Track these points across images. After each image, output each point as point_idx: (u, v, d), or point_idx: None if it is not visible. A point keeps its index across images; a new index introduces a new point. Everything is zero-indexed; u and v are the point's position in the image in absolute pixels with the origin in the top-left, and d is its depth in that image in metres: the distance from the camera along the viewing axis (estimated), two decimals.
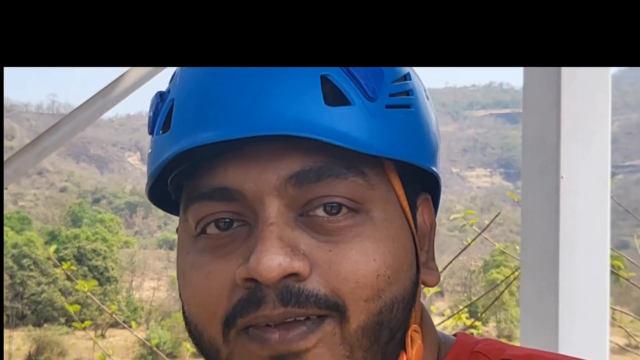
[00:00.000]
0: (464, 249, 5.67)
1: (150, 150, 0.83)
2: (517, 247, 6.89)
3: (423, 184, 0.88)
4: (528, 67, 2.15)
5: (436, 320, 8.87)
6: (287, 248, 0.73)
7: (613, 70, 2.10)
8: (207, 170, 0.76)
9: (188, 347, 9.33)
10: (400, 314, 0.78)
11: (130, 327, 5.99)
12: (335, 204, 0.75)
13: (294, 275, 0.73)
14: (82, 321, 5.51)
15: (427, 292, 6.44)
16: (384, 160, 0.79)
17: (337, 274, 0.74)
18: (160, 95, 0.83)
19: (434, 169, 0.85)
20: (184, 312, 0.81)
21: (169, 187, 0.83)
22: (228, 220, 0.77)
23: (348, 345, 0.74)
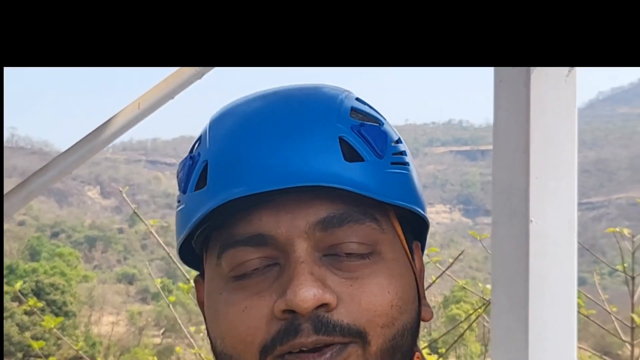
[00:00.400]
0: (429, 285, 5.72)
1: (180, 207, 0.94)
2: (479, 284, 6.96)
3: (414, 232, 1.00)
4: (497, 111, 2.23)
5: None
6: (317, 282, 0.85)
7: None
8: (241, 220, 0.88)
9: None
10: (409, 340, 0.91)
11: None
12: (353, 248, 0.88)
13: (325, 305, 0.85)
14: (47, 357, 5.49)
15: None
16: (389, 209, 0.92)
17: (358, 305, 0.86)
18: (191, 158, 0.94)
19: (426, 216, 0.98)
20: (214, 348, 0.92)
21: (194, 240, 0.94)
22: (256, 266, 0.88)
23: None
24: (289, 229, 0.87)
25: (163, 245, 6.29)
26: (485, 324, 8.27)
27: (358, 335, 0.86)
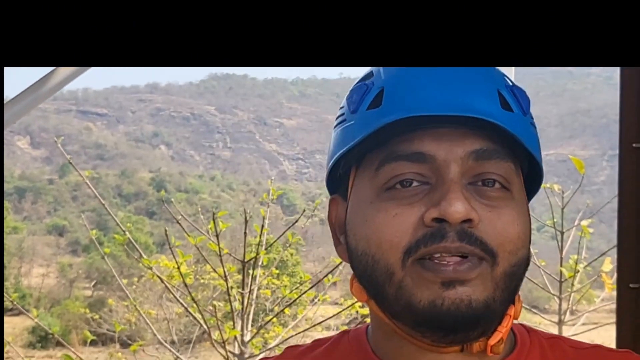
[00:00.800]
0: None
1: (347, 124, 1.08)
2: None
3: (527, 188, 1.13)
4: None
5: (332, 309, 8.98)
6: (466, 201, 0.99)
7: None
8: (405, 140, 1.02)
9: (88, 334, 9.22)
10: (521, 272, 1.04)
11: (28, 312, 5.95)
12: (492, 180, 1.02)
13: (469, 221, 0.99)
14: None
15: (327, 281, 6.56)
16: (519, 159, 1.07)
17: (494, 228, 1.00)
18: (365, 85, 1.08)
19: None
20: (354, 250, 1.06)
21: (346, 157, 1.08)
22: (411, 180, 1.02)
23: (494, 283, 1.00)
24: (447, 153, 1.01)
25: (98, 195, 6.26)
26: None
27: (490, 254, 1.00)
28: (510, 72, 2.35)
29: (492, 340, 1.03)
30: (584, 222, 6.40)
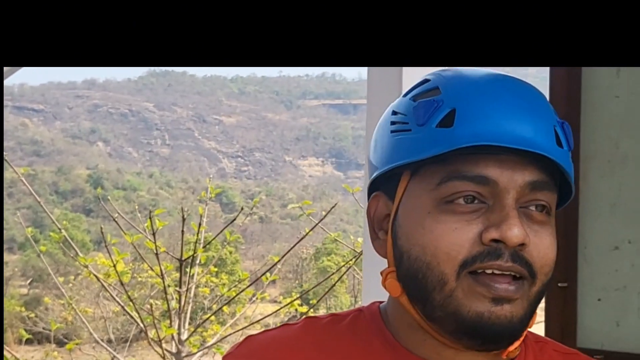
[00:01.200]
0: (302, 238, 5.81)
1: (411, 135, 1.13)
2: (351, 236, 7.08)
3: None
4: (371, 68, 2.29)
5: (271, 307, 8.98)
6: (522, 227, 1.08)
7: None
8: (469, 162, 1.10)
9: (23, 333, 9.10)
10: (545, 291, 1.14)
11: None
12: (541, 206, 1.12)
13: (522, 245, 1.08)
14: None
15: (265, 279, 6.57)
16: (558, 188, 1.16)
17: (538, 252, 1.10)
18: (435, 101, 1.13)
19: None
20: (405, 254, 1.13)
21: (405, 166, 1.15)
22: (471, 197, 1.10)
23: (529, 302, 1.11)
24: (509, 180, 1.10)
25: (34, 193, 6.20)
26: (356, 275, 8.43)
27: (532, 275, 1.10)
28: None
29: (512, 347, 1.15)
30: None
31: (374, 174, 1.21)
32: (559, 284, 2.08)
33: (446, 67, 1.21)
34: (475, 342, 1.11)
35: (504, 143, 1.09)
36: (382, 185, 1.21)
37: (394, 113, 1.19)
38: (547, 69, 2.16)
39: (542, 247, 1.11)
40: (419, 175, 1.15)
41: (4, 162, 5.61)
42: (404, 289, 1.16)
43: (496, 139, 1.09)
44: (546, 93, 2.11)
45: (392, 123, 1.18)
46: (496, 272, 1.09)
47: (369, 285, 2.08)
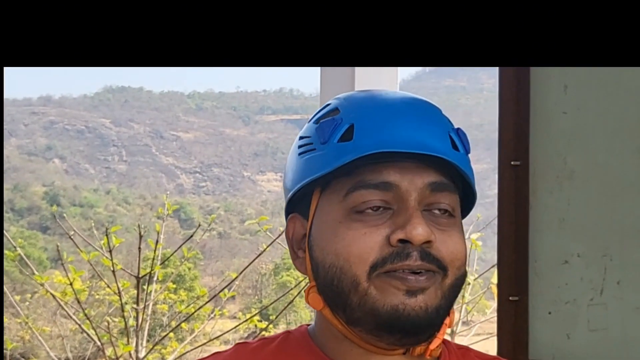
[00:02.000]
0: (260, 254, 5.81)
1: (316, 153, 1.22)
2: None
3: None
4: (323, 87, 2.32)
5: (230, 323, 8.95)
6: (426, 226, 1.16)
7: (399, 78, 2.33)
8: (372, 170, 1.18)
9: None
10: (460, 286, 1.22)
11: None
12: (443, 209, 1.20)
13: (428, 242, 1.16)
14: None
15: (223, 296, 6.56)
16: (460, 189, 1.24)
17: (446, 248, 1.18)
18: (334, 119, 1.22)
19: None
20: (321, 263, 1.20)
21: (304, 187, 1.23)
22: (377, 206, 1.18)
23: (442, 293, 1.18)
24: (410, 183, 1.18)
25: None
26: None
27: (443, 269, 1.18)
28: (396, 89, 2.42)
29: (433, 345, 1.22)
30: (474, 236, 6.54)
31: (288, 196, 1.29)
32: (510, 298, 2.11)
33: (348, 92, 1.31)
34: (395, 337, 1.17)
35: (401, 148, 1.17)
36: (296, 207, 1.29)
37: (301, 138, 1.27)
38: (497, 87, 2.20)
39: (450, 242, 1.20)
40: (328, 190, 1.23)
41: None
42: (325, 300, 1.22)
43: (394, 145, 1.17)
44: (496, 109, 2.15)
45: (299, 147, 1.27)
46: (407, 271, 1.16)
47: None
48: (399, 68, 2.30)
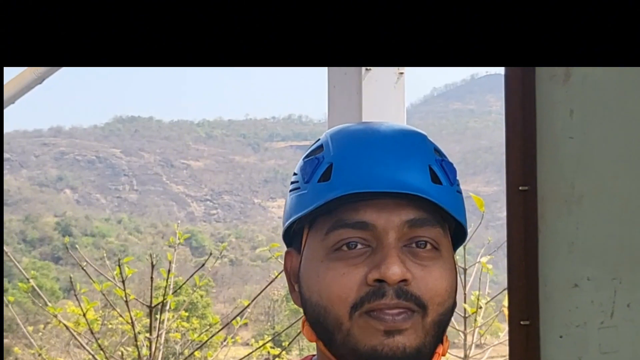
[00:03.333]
0: (272, 281, 5.82)
1: (300, 193, 1.25)
2: None
3: (454, 242, 1.32)
4: (331, 114, 2.34)
5: (243, 350, 8.94)
6: (402, 263, 1.17)
7: (407, 102, 2.35)
8: (350, 210, 1.20)
9: None
10: (448, 319, 1.23)
11: None
12: (424, 242, 1.20)
13: (404, 280, 1.17)
14: None
15: (235, 323, 6.57)
16: (447, 222, 1.25)
17: (425, 285, 1.18)
18: (317, 159, 1.25)
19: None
20: (308, 300, 1.23)
21: (301, 219, 1.25)
22: (355, 243, 1.20)
23: (425, 331, 1.18)
24: (386, 222, 1.19)
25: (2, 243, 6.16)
26: None
27: (422, 306, 1.18)
28: (403, 117, 2.44)
29: None
30: (484, 259, 6.53)
31: (282, 232, 1.33)
32: (521, 322, 2.11)
33: (340, 126, 1.33)
34: None
35: (377, 188, 1.19)
36: (292, 241, 1.32)
37: (294, 174, 1.30)
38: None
39: (431, 279, 1.19)
40: (313, 228, 1.25)
41: None
42: (316, 334, 1.25)
43: (369, 185, 1.19)
44: (502, 135, 2.16)
45: (291, 183, 1.30)
46: (385, 310, 1.17)
47: None
48: (407, 93, 2.32)
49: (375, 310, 1.17)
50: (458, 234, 1.31)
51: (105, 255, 7.04)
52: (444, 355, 1.26)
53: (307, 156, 1.29)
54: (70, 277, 5.78)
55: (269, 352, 7.23)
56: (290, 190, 1.29)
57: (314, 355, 1.33)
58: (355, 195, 1.19)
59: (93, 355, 6.05)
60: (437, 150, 1.29)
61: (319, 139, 1.30)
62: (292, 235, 1.31)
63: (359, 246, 1.20)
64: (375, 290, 1.17)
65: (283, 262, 1.35)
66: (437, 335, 1.21)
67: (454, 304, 1.25)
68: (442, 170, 1.25)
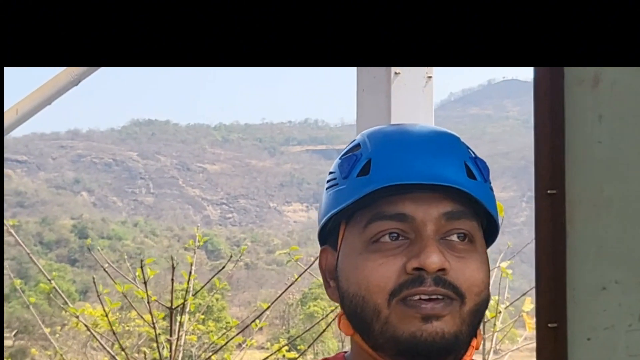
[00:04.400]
0: (292, 284, 5.84)
1: (339, 188, 1.29)
2: None
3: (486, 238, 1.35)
4: (360, 118, 2.36)
5: (258, 354, 8.94)
6: (441, 253, 1.21)
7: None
8: (388, 202, 1.24)
9: None
10: (483, 311, 1.26)
11: None
12: (461, 235, 1.25)
13: (442, 270, 1.20)
14: None
15: (254, 326, 6.59)
16: (479, 217, 1.29)
17: (463, 275, 1.22)
18: (354, 155, 1.29)
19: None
20: (346, 292, 1.27)
21: (332, 220, 1.31)
22: (396, 234, 1.24)
23: (462, 319, 1.22)
24: (424, 214, 1.23)
25: (22, 244, 6.21)
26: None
27: (460, 295, 1.22)
28: (431, 120, 2.46)
29: None
30: (503, 264, 6.52)
31: (318, 229, 1.37)
32: (549, 325, 2.12)
33: (374, 127, 1.36)
34: None
35: (415, 180, 1.23)
36: (328, 239, 1.36)
37: (329, 173, 1.34)
38: (529, 112, 2.22)
39: (468, 270, 1.24)
40: (351, 223, 1.29)
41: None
42: (353, 327, 1.28)
43: (408, 178, 1.23)
44: (521, 137, 2.17)
45: (327, 182, 1.34)
46: (423, 297, 1.21)
47: None
48: (435, 95, 2.34)
49: (414, 297, 1.21)
50: (489, 232, 1.34)
51: (125, 257, 7.07)
52: (477, 348, 1.29)
53: (343, 155, 1.32)
54: (93, 278, 5.81)
55: (284, 356, 7.25)
56: (327, 188, 1.33)
57: (346, 352, 1.36)
58: (393, 188, 1.23)
59: (114, 356, 6.08)
60: (470, 150, 1.32)
61: (355, 140, 1.34)
62: (328, 233, 1.35)
63: (400, 238, 1.24)
64: (414, 278, 1.21)
65: (318, 259, 1.37)
66: (473, 325, 1.25)
67: (489, 297, 1.28)
68: (476, 167, 1.29)
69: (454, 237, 1.25)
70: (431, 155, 1.26)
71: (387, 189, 1.23)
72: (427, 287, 1.21)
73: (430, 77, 2.27)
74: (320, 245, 1.38)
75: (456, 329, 1.22)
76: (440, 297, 1.21)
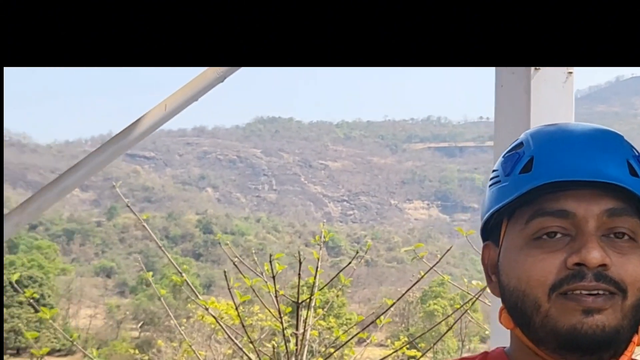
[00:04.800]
0: (418, 280, 5.83)
1: (502, 185, 1.32)
2: (464, 279, 7.06)
3: None
4: (498, 114, 2.34)
5: (377, 351, 8.94)
6: (602, 249, 1.22)
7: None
8: (550, 199, 1.26)
9: None
10: None
11: (86, 352, 6.06)
12: (622, 233, 1.25)
13: (603, 265, 1.21)
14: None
15: (379, 322, 6.61)
16: None
17: (625, 270, 1.22)
18: (517, 153, 1.32)
19: None
20: (506, 287, 1.29)
21: (495, 216, 1.33)
22: (555, 232, 1.25)
23: (623, 314, 1.22)
24: (586, 211, 1.24)
25: (155, 238, 6.38)
26: (463, 318, 8.37)
27: (621, 290, 1.22)
28: (571, 118, 2.42)
29: None
30: None
31: (481, 225, 1.39)
32: None
33: (536, 127, 1.38)
34: (576, 355, 1.23)
35: (577, 177, 1.24)
36: (490, 235, 1.38)
37: (493, 170, 1.37)
38: None
39: (630, 265, 1.23)
40: (513, 219, 1.31)
41: (129, 208, 5.81)
42: (514, 321, 1.30)
43: (569, 174, 1.24)
44: None
45: (490, 179, 1.37)
46: (583, 292, 1.22)
47: (496, 330, 2.12)
48: (574, 94, 2.30)
49: (574, 291, 1.22)
50: None
51: (253, 252, 7.18)
52: (639, 345, 1.29)
53: (506, 153, 1.35)
54: (225, 272, 5.91)
55: (404, 353, 7.24)
56: (490, 185, 1.37)
57: (504, 347, 1.38)
58: (555, 185, 1.24)
59: (241, 348, 6.18)
60: (634, 148, 1.32)
61: (518, 139, 1.36)
62: (490, 229, 1.37)
63: (558, 235, 1.25)
64: (574, 273, 1.22)
65: (481, 255, 1.41)
66: (635, 320, 1.25)
67: None
68: (639, 165, 1.28)
69: (615, 235, 1.25)
70: (593, 153, 1.26)
71: (549, 186, 1.25)
72: (588, 283, 1.21)
73: (571, 72, 2.23)
74: (483, 241, 1.40)
75: (617, 323, 1.22)
76: (601, 292, 1.21)
